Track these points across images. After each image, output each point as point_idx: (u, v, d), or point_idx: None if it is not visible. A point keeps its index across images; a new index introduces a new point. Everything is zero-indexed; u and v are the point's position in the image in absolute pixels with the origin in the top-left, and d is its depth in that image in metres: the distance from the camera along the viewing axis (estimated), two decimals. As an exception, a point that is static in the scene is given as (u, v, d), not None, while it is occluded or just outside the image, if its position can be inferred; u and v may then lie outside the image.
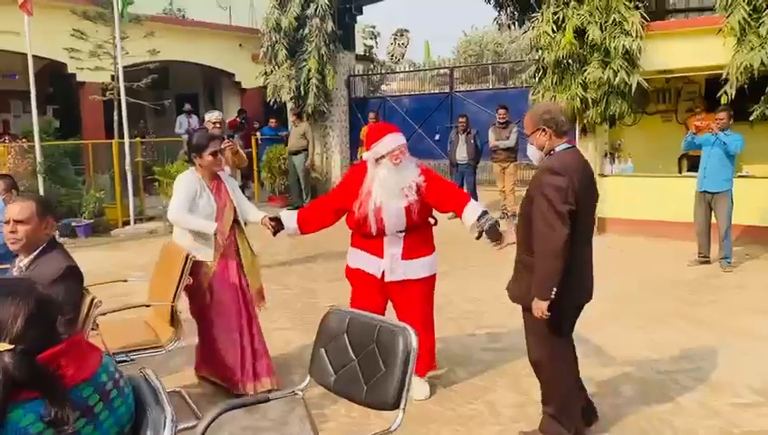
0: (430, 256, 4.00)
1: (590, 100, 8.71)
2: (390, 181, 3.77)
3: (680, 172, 9.72)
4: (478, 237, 3.89)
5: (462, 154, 10.73)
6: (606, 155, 9.79)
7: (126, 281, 4.07)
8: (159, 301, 3.58)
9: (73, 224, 10.07)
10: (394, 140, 3.81)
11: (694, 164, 9.40)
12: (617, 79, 8.45)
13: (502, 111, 10.33)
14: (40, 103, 14.64)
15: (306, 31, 12.89)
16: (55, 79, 13.24)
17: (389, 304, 4.07)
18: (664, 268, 7.21)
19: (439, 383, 4.20)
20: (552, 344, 3.33)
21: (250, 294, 3.99)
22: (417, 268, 3.92)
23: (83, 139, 12.04)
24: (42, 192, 9.50)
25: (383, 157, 3.77)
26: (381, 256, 3.92)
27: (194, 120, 14.69)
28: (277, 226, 4.02)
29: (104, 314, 3.32)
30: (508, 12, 15.40)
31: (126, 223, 10.68)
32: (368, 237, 3.94)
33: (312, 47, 12.81)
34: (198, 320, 3.97)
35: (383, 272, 3.91)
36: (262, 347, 3.95)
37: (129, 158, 10.53)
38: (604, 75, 8.51)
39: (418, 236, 3.94)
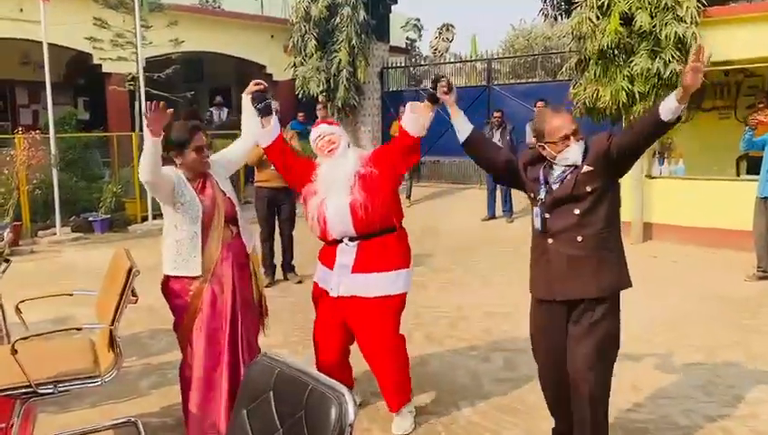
0: (393, 271, 3.35)
1: (637, 93, 7.87)
2: (329, 174, 3.31)
3: (738, 175, 8.79)
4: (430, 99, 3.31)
5: (496, 152, 9.97)
6: (655, 155, 8.92)
7: (71, 295, 3.57)
8: (100, 322, 3.05)
9: (90, 219, 9.77)
10: (315, 132, 3.43)
11: (754, 166, 8.49)
12: (667, 71, 7.61)
13: (540, 103, 9.54)
14: (71, 95, 14.68)
15: (337, 20, 12.34)
16: (85, 70, 13.06)
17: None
18: (717, 284, 6.37)
19: (438, 421, 3.56)
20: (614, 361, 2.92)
21: (247, 323, 3.26)
22: (369, 284, 3.31)
23: (108, 131, 11.79)
24: (56, 185, 9.20)
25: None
26: (332, 268, 3.37)
27: (224, 112, 14.37)
28: (258, 97, 3.38)
29: (25, 338, 2.80)
30: (554, 2, 14.56)
31: (144, 218, 10.34)
32: (327, 247, 3.46)
33: (342, 37, 12.26)
34: (181, 347, 3.29)
35: (331, 287, 3.37)
36: None
37: (149, 151, 10.14)
38: (653, 66, 7.69)
39: (378, 246, 3.33)
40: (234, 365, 3.18)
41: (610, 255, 2.85)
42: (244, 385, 1.94)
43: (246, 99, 3.45)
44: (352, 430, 1.63)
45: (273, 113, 3.45)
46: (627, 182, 8.83)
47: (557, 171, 2.89)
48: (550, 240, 2.88)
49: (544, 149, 2.88)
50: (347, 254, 3.33)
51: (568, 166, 2.84)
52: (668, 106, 2.58)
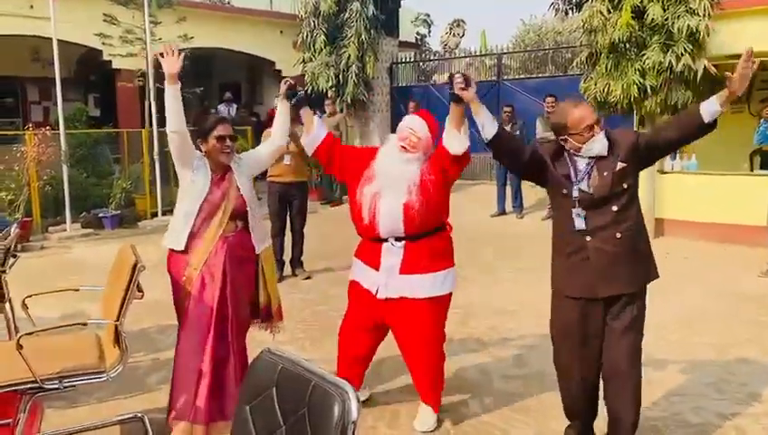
0: (441, 271, 3.30)
1: (649, 87, 7.79)
2: (391, 171, 3.19)
3: (752, 170, 8.67)
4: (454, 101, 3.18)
5: (507, 147, 9.88)
6: (666, 150, 8.82)
7: (78, 290, 3.56)
8: (106, 318, 3.04)
9: (100, 215, 9.80)
10: (408, 122, 3.29)
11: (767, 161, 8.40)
12: (680, 64, 7.51)
13: (550, 99, 9.45)
14: (82, 91, 14.72)
15: (346, 16, 12.28)
16: (95, 67, 13.09)
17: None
18: (731, 280, 6.29)
19: (447, 417, 3.52)
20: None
21: (238, 318, 3.29)
22: (418, 285, 3.24)
23: (118, 127, 11.82)
24: (66, 182, 9.23)
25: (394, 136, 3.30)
26: (377, 269, 3.28)
27: (233, 108, 14.39)
28: (290, 92, 3.40)
29: (30, 333, 2.80)
30: (565, -4, 14.40)
31: (154, 214, 10.36)
32: (369, 243, 3.35)
33: (351, 33, 12.20)
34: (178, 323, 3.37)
35: (377, 288, 3.28)
36: (233, 388, 3.17)
37: (158, 147, 10.17)
38: (665, 60, 7.59)
39: (424, 247, 3.25)
40: (221, 359, 3.20)
41: (644, 248, 2.87)
42: (247, 381, 1.92)
43: (282, 103, 3.47)
44: (355, 427, 1.60)
45: (312, 112, 3.46)
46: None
47: (581, 165, 2.85)
48: (588, 238, 2.83)
49: (567, 141, 2.85)
50: (394, 254, 3.25)
51: (591, 158, 2.81)
52: (710, 110, 2.64)
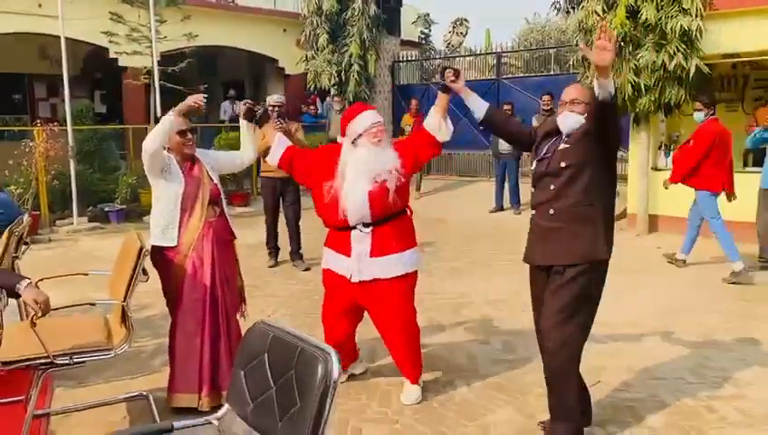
0: (407, 250, 3.54)
1: (642, 86, 7.96)
2: (369, 163, 3.37)
3: (744, 167, 8.81)
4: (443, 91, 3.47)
5: (505, 145, 10.07)
6: (661, 147, 8.98)
7: (87, 275, 3.77)
8: (113, 298, 3.24)
9: (106, 209, 10.02)
10: (371, 117, 3.46)
11: (761, 158, 8.52)
12: (673, 63, 7.68)
13: (546, 97, 9.64)
14: (88, 88, 14.96)
15: (348, 14, 12.48)
16: (102, 64, 13.31)
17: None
18: (719, 273, 6.45)
19: (434, 398, 3.71)
20: (586, 327, 3.04)
21: (227, 298, 3.56)
22: (389, 265, 3.47)
23: (124, 123, 12.03)
24: (73, 177, 9.46)
25: (360, 136, 3.42)
26: (348, 255, 3.50)
27: (237, 105, 14.57)
28: (249, 114, 3.67)
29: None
30: (566, -5, 14.56)
31: (159, 209, 10.54)
32: (337, 233, 3.55)
33: (353, 31, 12.41)
34: (169, 311, 3.62)
35: (351, 273, 3.50)
36: (227, 363, 3.43)
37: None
38: (658, 59, 7.76)
39: (391, 229, 3.49)
40: (214, 337, 3.45)
41: (586, 227, 2.98)
42: (241, 348, 2.12)
43: (243, 123, 3.74)
44: (336, 386, 1.79)
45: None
46: (632, 174, 8.93)
47: (546, 144, 3.07)
48: (533, 211, 3.13)
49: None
50: (362, 240, 3.45)
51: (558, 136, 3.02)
52: (597, 87, 2.71)
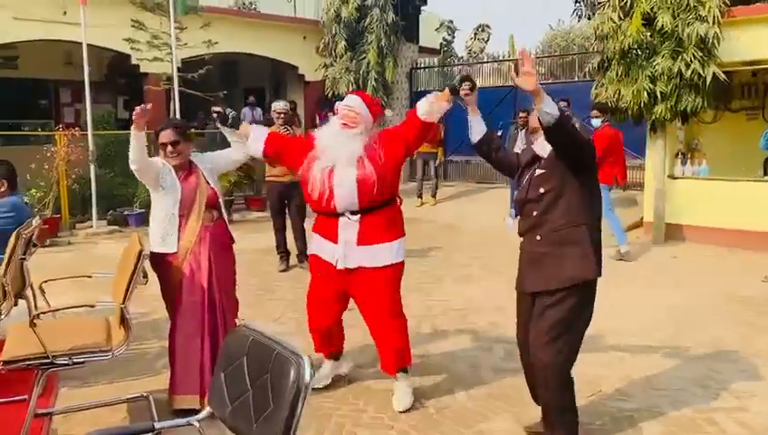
0: (394, 241, 3.55)
1: (659, 94, 7.87)
2: (328, 140, 3.45)
3: (764, 175, 8.67)
4: (451, 91, 3.53)
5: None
6: (678, 155, 8.88)
7: (90, 277, 3.86)
8: (115, 300, 3.31)
9: (125, 213, 10.19)
10: (347, 100, 3.53)
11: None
12: (689, 71, 7.59)
13: (563, 103, 9.55)
14: (112, 94, 15.23)
15: (367, 22, 12.55)
16: (125, 70, 13.56)
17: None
18: (732, 284, 6.36)
19: (431, 405, 3.72)
20: (574, 348, 3.02)
21: (225, 301, 3.61)
22: (375, 255, 3.49)
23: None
24: (93, 181, 9.64)
25: (336, 114, 3.56)
26: (335, 242, 3.53)
27: (257, 112, 14.73)
28: (221, 118, 3.72)
29: (44, 313, 3.08)
30: (587, 2, 14.51)
31: (176, 213, 10.69)
32: (325, 219, 3.58)
33: (372, 38, 12.47)
34: (168, 314, 3.69)
35: (336, 260, 3.53)
36: None
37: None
38: (675, 66, 7.68)
39: (378, 219, 3.51)
40: (214, 339, 3.50)
41: (573, 249, 2.95)
42: (222, 351, 2.16)
43: (222, 128, 3.82)
44: (308, 389, 1.82)
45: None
46: (648, 182, 8.84)
47: (526, 174, 3.08)
48: (521, 238, 3.13)
49: None
50: (350, 228, 3.48)
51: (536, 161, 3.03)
52: (537, 113, 2.75)
